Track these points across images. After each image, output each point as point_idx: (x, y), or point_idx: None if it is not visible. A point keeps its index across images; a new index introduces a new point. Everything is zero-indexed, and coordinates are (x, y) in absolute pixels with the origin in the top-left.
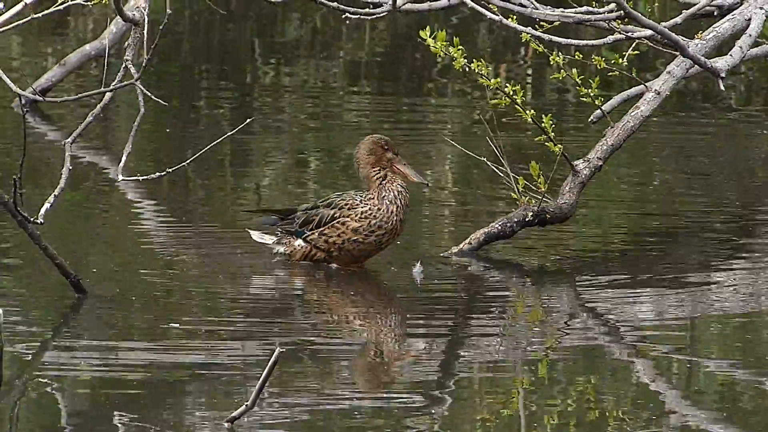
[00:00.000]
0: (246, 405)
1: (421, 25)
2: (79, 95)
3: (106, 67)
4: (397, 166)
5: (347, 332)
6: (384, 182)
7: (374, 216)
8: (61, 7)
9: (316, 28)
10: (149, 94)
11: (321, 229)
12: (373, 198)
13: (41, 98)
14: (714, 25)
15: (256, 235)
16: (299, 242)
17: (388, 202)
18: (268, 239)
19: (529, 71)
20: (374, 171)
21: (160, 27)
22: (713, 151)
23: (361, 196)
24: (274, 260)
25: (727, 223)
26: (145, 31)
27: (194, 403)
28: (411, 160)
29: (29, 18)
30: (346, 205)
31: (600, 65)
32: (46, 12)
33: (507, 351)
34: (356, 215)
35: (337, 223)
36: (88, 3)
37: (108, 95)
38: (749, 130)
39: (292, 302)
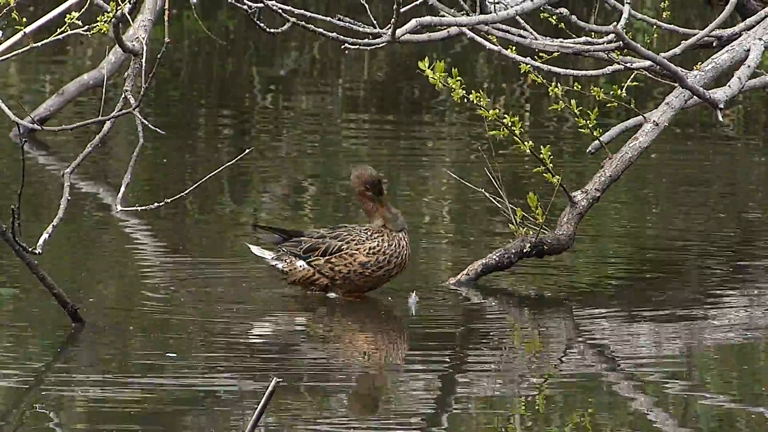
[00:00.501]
0: None
1: (421, 55)
2: (77, 124)
3: (104, 97)
4: (380, 211)
5: (344, 364)
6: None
7: (383, 252)
8: (60, 36)
9: (315, 58)
10: (147, 123)
11: (328, 257)
12: (381, 234)
13: (39, 127)
14: (713, 56)
15: (255, 249)
16: (301, 263)
17: (398, 239)
18: (267, 254)
19: (528, 101)
20: (368, 203)
21: (158, 56)
22: (711, 181)
23: (366, 233)
24: (270, 268)
25: (725, 254)
26: (143, 62)
27: None
28: (408, 189)
29: (28, 47)
30: (353, 240)
31: (599, 96)
32: (45, 41)
33: (504, 382)
34: (365, 250)
35: (346, 254)
36: (87, 33)
37: (107, 125)
38: (747, 160)
39: (290, 334)
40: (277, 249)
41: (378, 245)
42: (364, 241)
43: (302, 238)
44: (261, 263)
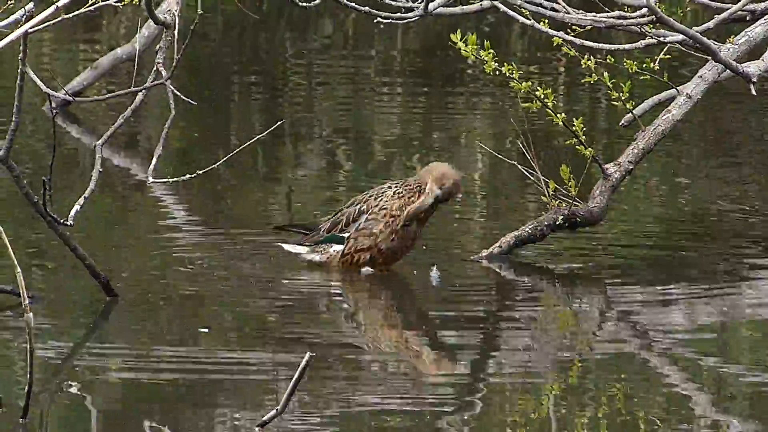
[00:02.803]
0: (276, 410)
1: (454, 29)
2: (109, 95)
3: (135, 69)
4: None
5: (375, 338)
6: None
7: (410, 188)
8: (92, 8)
9: (348, 31)
10: (179, 94)
11: (357, 224)
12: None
13: (71, 98)
14: (746, 30)
15: (288, 247)
16: (335, 248)
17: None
18: (301, 249)
19: (561, 75)
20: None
21: (191, 28)
22: (746, 153)
23: (388, 186)
24: (308, 263)
25: (760, 228)
26: (176, 34)
27: (224, 408)
28: (442, 161)
29: (60, 18)
30: (371, 196)
31: (632, 69)
32: (76, 12)
33: (537, 355)
34: (392, 195)
35: (375, 210)
36: (119, 4)
37: (139, 97)
38: None
39: (323, 307)
40: (304, 245)
41: (403, 190)
42: (384, 191)
43: (320, 225)
44: (296, 257)
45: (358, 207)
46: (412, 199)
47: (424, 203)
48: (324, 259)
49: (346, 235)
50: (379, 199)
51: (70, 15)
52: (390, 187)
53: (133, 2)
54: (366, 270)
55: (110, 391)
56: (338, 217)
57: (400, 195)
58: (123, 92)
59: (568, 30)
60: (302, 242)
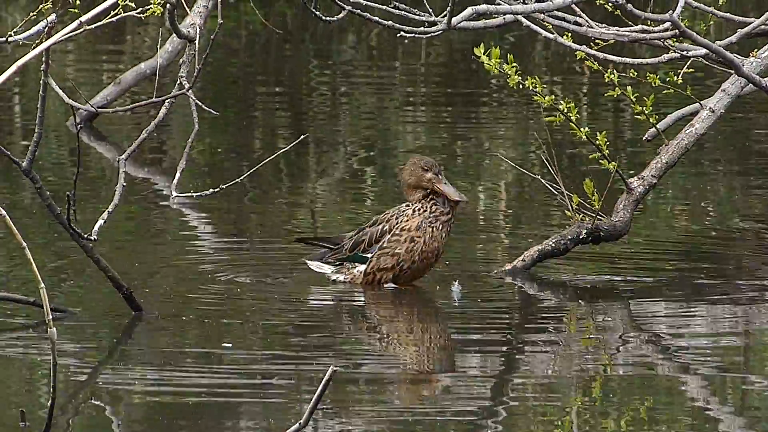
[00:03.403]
0: (299, 423)
1: (477, 43)
2: (132, 105)
3: (157, 83)
4: (438, 186)
5: (398, 352)
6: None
7: (428, 211)
8: (114, 18)
9: (372, 46)
10: (201, 104)
11: (380, 247)
12: (421, 202)
13: (94, 108)
14: None
15: (314, 265)
16: (359, 268)
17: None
18: (327, 268)
19: (585, 88)
20: (416, 193)
21: (211, 37)
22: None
23: (405, 205)
24: (330, 282)
25: None
26: (197, 48)
27: (248, 422)
28: (464, 176)
29: (82, 30)
30: (393, 216)
31: (655, 83)
32: (98, 23)
33: (560, 369)
34: (412, 213)
35: (396, 231)
36: (141, 15)
37: (162, 110)
38: None
39: (346, 322)
40: (329, 262)
41: (422, 206)
42: (404, 210)
43: (343, 242)
44: (321, 276)
45: (381, 227)
46: (429, 214)
47: (445, 192)
48: (348, 278)
49: (369, 255)
50: (400, 219)
51: (92, 26)
52: (408, 205)
53: (156, 13)
54: (389, 285)
55: (133, 406)
56: (361, 236)
57: (421, 210)
58: (146, 102)
59: (591, 44)
60: (326, 259)
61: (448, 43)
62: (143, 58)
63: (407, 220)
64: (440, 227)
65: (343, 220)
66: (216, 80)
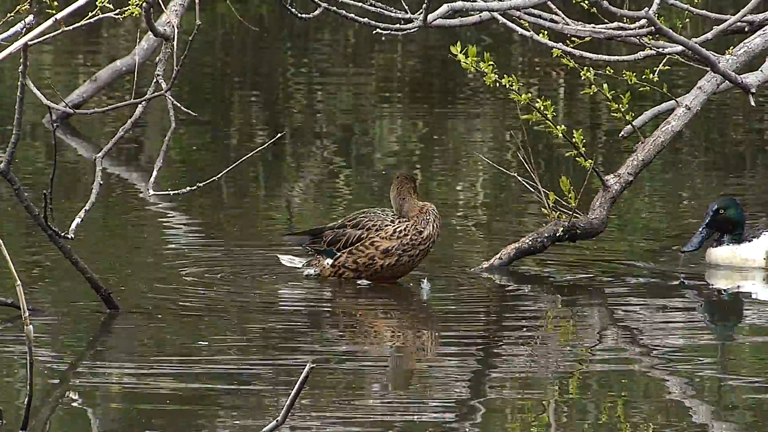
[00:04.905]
0: (276, 420)
1: (454, 41)
2: (109, 107)
3: (135, 82)
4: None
5: (378, 348)
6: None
7: (408, 236)
8: (92, 20)
9: (348, 43)
10: (179, 105)
11: (349, 248)
12: (408, 221)
13: (71, 110)
14: (745, 41)
15: (285, 260)
16: (328, 261)
17: (425, 222)
18: (298, 262)
19: (562, 86)
20: (417, 205)
21: (189, 39)
22: (743, 165)
23: (393, 216)
24: (304, 278)
25: None
26: (175, 46)
27: (225, 419)
28: (441, 175)
29: (60, 31)
30: (373, 225)
31: (631, 80)
32: (76, 25)
33: (537, 367)
34: (386, 234)
35: (365, 244)
36: (119, 16)
37: (139, 109)
38: None
39: (323, 318)
40: (306, 250)
41: (405, 228)
42: (386, 225)
43: (325, 232)
44: (294, 271)
45: (359, 233)
46: (409, 240)
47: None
48: (318, 271)
49: (338, 258)
50: (378, 232)
51: (70, 27)
52: (393, 222)
53: (133, 15)
54: (362, 282)
55: (110, 403)
56: (339, 235)
57: (401, 234)
58: (123, 104)
59: (568, 41)
60: (305, 246)
61: (424, 41)
62: (120, 55)
63: (382, 238)
64: (416, 254)
65: (320, 215)
66: (192, 77)
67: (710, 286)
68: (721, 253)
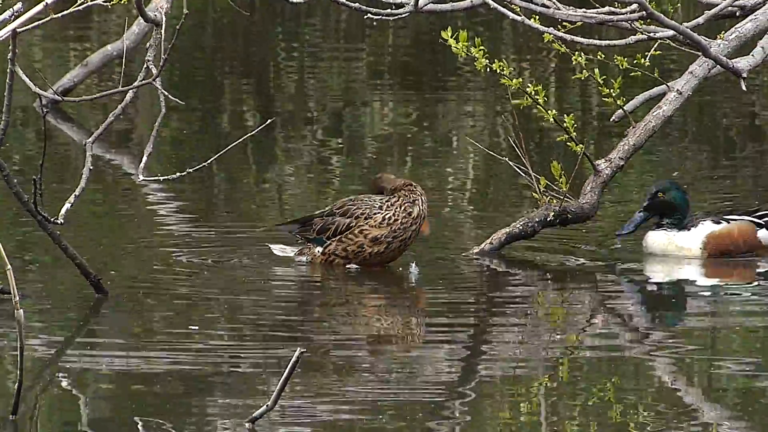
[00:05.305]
0: (267, 405)
1: (445, 26)
2: (99, 94)
3: (124, 67)
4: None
5: (368, 333)
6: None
7: (398, 221)
8: (81, 7)
9: (339, 28)
10: (167, 94)
11: (339, 237)
12: (395, 202)
13: (61, 98)
14: (736, 26)
15: (277, 249)
16: (318, 249)
17: (412, 199)
18: (290, 251)
19: (553, 71)
20: (389, 176)
21: (177, 26)
22: (735, 147)
23: (381, 201)
24: (295, 264)
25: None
26: (163, 31)
27: (215, 404)
28: (432, 159)
29: (49, 18)
30: (362, 214)
31: (622, 65)
32: (65, 12)
33: (528, 351)
34: (375, 222)
35: (354, 232)
36: (108, 3)
37: (129, 95)
38: None
39: (313, 303)
40: (296, 238)
41: (394, 214)
42: (375, 213)
43: (314, 220)
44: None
45: (348, 221)
46: (396, 213)
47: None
48: (309, 259)
49: (328, 246)
50: (368, 220)
51: (59, 14)
52: (381, 209)
53: (122, 1)
54: (351, 267)
55: (100, 387)
56: (329, 223)
57: (391, 220)
58: (113, 91)
59: (559, 26)
60: (294, 233)
61: (415, 26)
62: (110, 40)
63: (371, 226)
64: (407, 237)
65: (310, 200)
66: (182, 62)
67: (647, 273)
68: (657, 238)
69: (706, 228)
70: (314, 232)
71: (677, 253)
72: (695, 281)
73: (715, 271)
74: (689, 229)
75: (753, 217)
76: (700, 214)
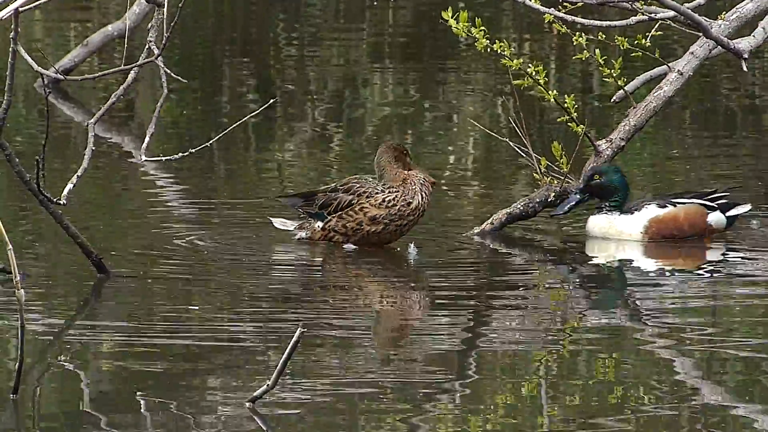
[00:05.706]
0: (267, 385)
1: (445, 4)
2: (101, 73)
3: (125, 47)
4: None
5: (368, 312)
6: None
7: (396, 205)
8: None
9: (339, 6)
10: (170, 72)
11: (339, 213)
12: (397, 189)
13: (62, 77)
14: (737, 6)
15: (277, 222)
16: (318, 224)
17: (413, 192)
18: (290, 225)
19: (554, 52)
20: (400, 173)
21: (179, 5)
22: (736, 129)
23: (382, 186)
24: (295, 240)
25: (750, 202)
26: (165, 11)
27: (215, 383)
28: (433, 139)
29: None
30: (364, 192)
31: (623, 46)
32: None
33: (528, 331)
34: (375, 202)
35: (355, 209)
36: None
37: (131, 75)
38: None
39: (313, 283)
40: (297, 211)
41: (393, 198)
42: (376, 192)
43: (317, 194)
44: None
45: (350, 198)
46: (396, 198)
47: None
48: (308, 234)
49: (328, 222)
50: (369, 199)
51: None
52: (383, 191)
53: None
54: (349, 246)
55: (101, 367)
56: (331, 199)
57: (390, 204)
58: (115, 70)
59: (560, 6)
60: (296, 207)
61: (416, 5)
62: (111, 20)
63: (371, 205)
64: (403, 224)
65: (311, 180)
66: (183, 42)
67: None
68: (598, 222)
69: (649, 212)
70: (316, 206)
71: (617, 236)
72: (644, 264)
73: (658, 252)
74: (632, 213)
75: (705, 199)
76: (648, 197)
